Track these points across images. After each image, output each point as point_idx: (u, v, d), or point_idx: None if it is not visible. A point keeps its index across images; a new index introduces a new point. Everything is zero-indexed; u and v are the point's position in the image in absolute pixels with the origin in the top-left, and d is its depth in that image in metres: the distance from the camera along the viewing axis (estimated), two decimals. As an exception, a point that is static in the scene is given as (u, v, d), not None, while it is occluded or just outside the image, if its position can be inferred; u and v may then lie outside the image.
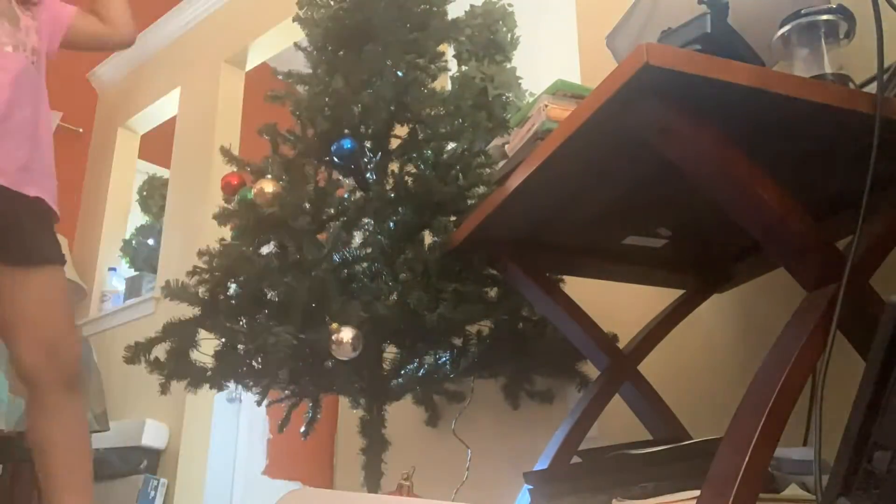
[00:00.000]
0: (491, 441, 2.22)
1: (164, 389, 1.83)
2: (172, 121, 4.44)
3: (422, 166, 1.87)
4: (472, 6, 2.36)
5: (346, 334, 1.60)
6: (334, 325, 1.61)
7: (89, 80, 4.95)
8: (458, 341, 1.85)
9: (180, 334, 1.78)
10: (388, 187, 1.86)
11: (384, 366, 1.87)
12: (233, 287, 1.81)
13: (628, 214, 1.50)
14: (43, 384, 1.52)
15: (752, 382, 1.03)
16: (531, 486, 1.43)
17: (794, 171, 1.20)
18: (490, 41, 2.30)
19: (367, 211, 1.80)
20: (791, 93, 1.03)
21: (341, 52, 1.99)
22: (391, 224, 1.80)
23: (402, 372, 1.90)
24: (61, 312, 1.58)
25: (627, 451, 1.29)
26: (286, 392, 1.97)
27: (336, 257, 1.75)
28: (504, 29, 2.33)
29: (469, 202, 1.79)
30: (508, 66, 2.32)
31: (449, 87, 2.30)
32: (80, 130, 4.82)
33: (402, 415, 2.30)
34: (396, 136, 1.95)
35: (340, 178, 1.96)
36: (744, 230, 1.17)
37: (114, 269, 4.45)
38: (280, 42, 3.93)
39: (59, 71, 4.64)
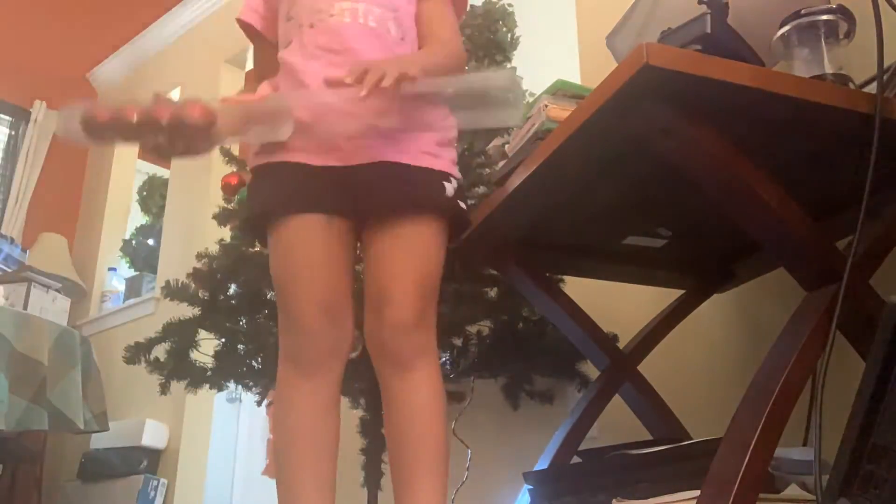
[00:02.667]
0: (491, 441, 2.22)
1: (164, 389, 1.84)
2: (172, 121, 4.43)
3: (422, 166, 1.86)
4: (472, 6, 2.35)
5: (346, 334, 1.60)
6: (334, 325, 1.61)
7: (89, 80, 4.95)
8: (458, 341, 1.85)
9: (180, 334, 1.78)
10: (388, 187, 1.86)
11: (384, 366, 1.86)
12: (233, 287, 1.81)
13: (628, 214, 1.50)
14: (411, 349, 1.26)
15: (752, 382, 1.03)
16: (531, 486, 1.43)
17: (794, 171, 1.20)
18: (490, 41, 2.30)
19: (367, 211, 1.80)
20: (791, 93, 1.03)
21: (341, 52, 1.98)
22: (391, 224, 1.79)
23: (403, 372, 1.90)
24: (436, 267, 1.32)
25: (627, 451, 1.29)
26: (286, 392, 1.96)
27: (336, 257, 1.75)
28: (504, 29, 2.33)
29: (469, 202, 1.78)
30: (508, 66, 2.32)
31: (449, 87, 2.29)
32: (80, 130, 4.82)
33: (402, 415, 2.30)
34: (396, 136, 1.94)
35: (340, 178, 1.95)
36: (744, 230, 1.17)
37: (114, 269, 4.46)
38: (280, 42, 3.93)
39: (58, 71, 4.67)
